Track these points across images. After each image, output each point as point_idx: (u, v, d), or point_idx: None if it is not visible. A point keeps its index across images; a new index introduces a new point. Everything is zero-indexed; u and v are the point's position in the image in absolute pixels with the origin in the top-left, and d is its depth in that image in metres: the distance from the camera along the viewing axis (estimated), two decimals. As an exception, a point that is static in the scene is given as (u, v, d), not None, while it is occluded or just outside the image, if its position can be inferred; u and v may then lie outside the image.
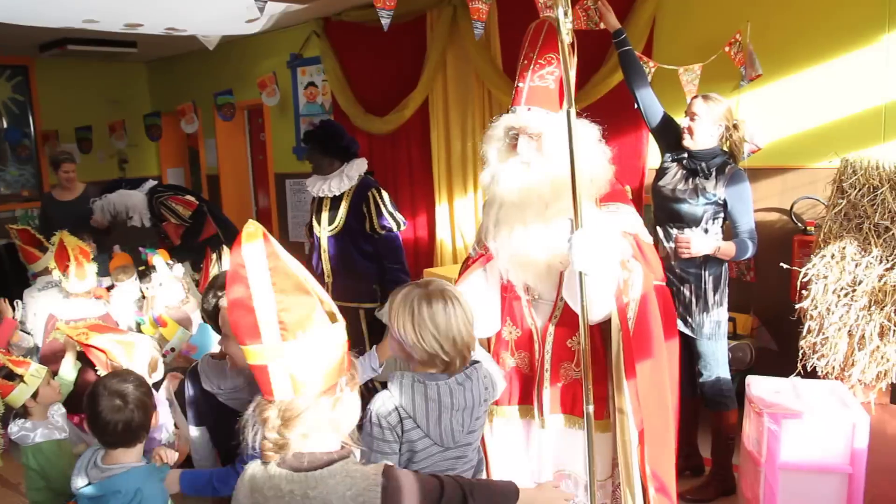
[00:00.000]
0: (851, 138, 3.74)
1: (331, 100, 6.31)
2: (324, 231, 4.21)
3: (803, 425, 2.80)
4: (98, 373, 2.74)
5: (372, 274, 4.17)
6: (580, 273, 2.03)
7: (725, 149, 3.33)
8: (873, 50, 3.68)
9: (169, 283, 4.20)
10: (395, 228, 4.15)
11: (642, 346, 2.22)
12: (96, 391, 2.18)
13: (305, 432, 1.46)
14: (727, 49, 3.97)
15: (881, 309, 2.97)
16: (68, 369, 3.09)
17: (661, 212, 3.43)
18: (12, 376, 2.73)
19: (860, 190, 3.26)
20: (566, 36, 2.04)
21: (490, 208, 2.39)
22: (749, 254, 3.24)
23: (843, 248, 3.17)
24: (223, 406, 2.22)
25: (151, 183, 5.39)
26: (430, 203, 5.76)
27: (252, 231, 1.41)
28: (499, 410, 2.52)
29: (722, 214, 3.27)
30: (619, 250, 2.23)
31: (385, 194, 4.18)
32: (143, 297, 4.30)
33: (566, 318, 2.37)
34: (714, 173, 3.22)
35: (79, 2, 4.45)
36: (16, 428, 2.77)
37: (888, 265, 3.04)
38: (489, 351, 2.53)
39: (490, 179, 2.39)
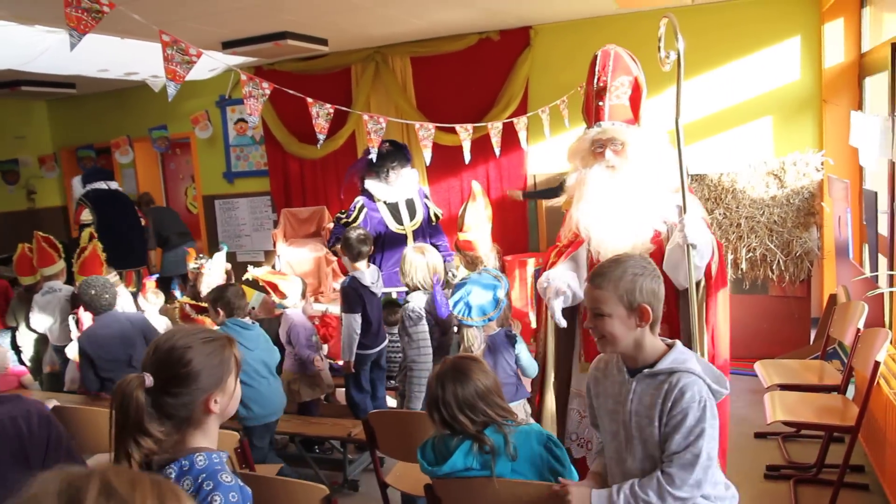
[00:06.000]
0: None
1: (261, 132, 7.80)
2: (408, 228, 4.87)
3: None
4: (272, 298, 4.18)
5: None
6: (688, 246, 2.37)
7: None
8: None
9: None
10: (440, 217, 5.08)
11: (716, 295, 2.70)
12: None
13: None
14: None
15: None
16: None
17: None
18: None
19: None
20: (667, 67, 2.40)
21: (578, 203, 2.74)
22: None
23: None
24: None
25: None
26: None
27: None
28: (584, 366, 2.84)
29: None
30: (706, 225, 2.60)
31: None
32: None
33: None
34: None
35: (96, 56, 5.65)
36: None
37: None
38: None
39: (576, 181, 2.79)
